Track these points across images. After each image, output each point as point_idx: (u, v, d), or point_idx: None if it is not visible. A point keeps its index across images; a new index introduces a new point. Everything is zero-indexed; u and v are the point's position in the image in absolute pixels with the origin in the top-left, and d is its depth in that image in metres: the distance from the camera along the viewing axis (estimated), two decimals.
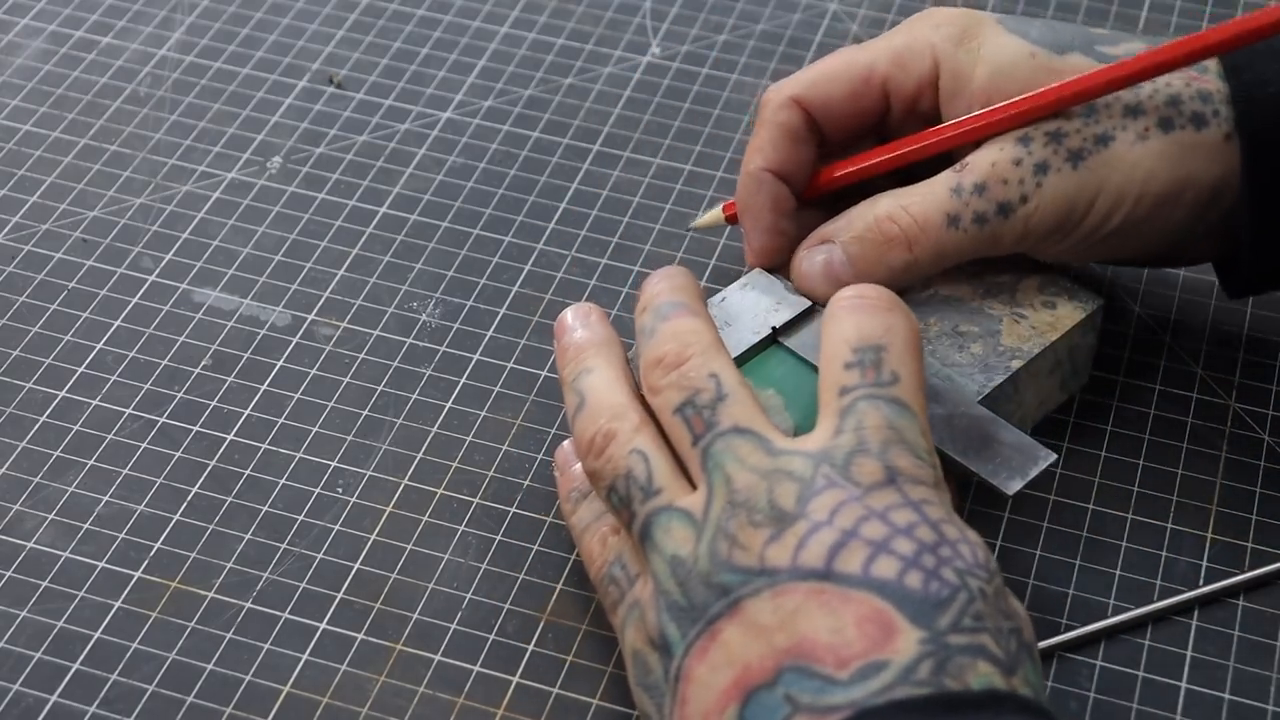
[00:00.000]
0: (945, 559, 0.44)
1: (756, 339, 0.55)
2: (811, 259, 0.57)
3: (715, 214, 0.62)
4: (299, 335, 0.62)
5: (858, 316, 0.49)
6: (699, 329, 0.50)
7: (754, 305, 0.56)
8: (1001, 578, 0.45)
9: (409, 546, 0.56)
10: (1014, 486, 0.52)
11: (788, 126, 0.58)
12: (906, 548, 0.44)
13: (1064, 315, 0.57)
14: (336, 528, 0.56)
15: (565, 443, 0.54)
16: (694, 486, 0.48)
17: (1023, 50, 0.56)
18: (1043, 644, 0.53)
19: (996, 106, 0.56)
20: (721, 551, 0.45)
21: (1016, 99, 0.55)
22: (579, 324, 0.53)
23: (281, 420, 0.59)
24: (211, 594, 0.54)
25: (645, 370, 0.50)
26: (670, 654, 0.46)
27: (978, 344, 0.56)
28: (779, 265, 0.58)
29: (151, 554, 0.55)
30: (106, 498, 0.57)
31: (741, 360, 0.55)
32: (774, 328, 0.55)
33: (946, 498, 0.47)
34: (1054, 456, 0.52)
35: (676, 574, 0.46)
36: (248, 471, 0.58)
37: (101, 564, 0.55)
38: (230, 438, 0.59)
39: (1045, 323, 0.57)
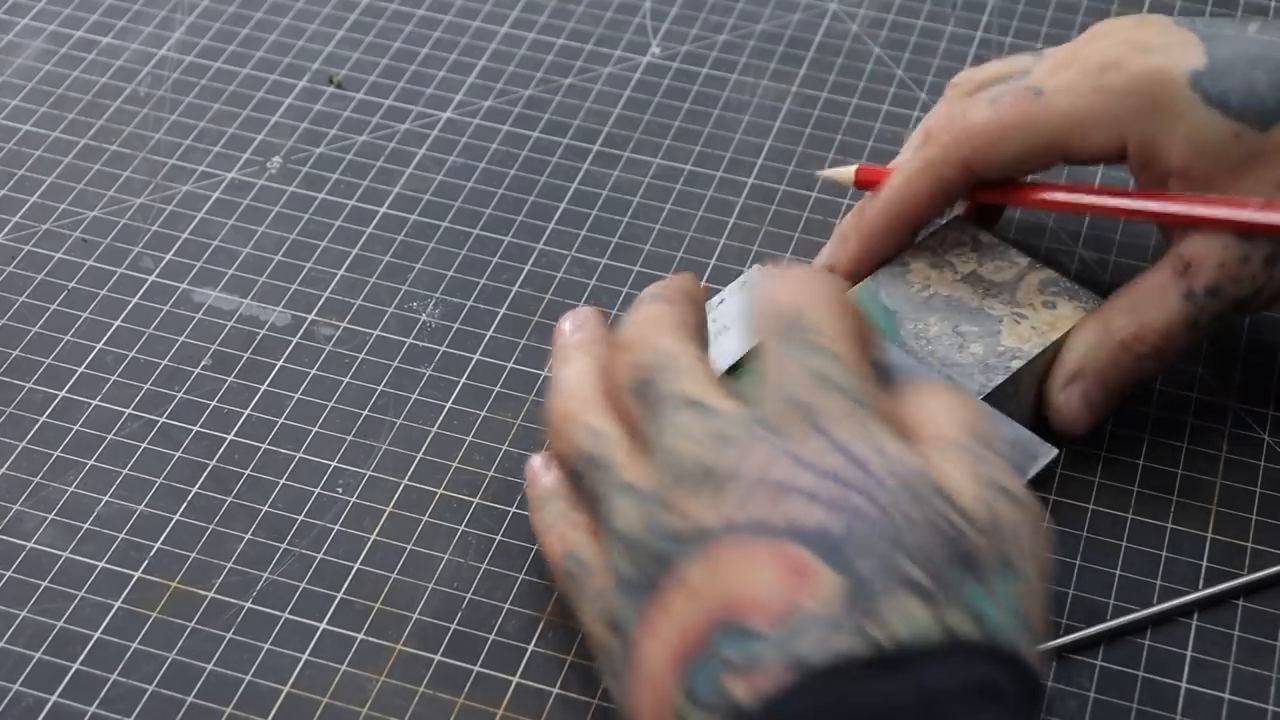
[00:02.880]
0: (869, 493, 0.43)
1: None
2: (1069, 397, 0.56)
3: (847, 174, 0.61)
4: (299, 335, 0.62)
5: (778, 284, 0.48)
6: (662, 312, 0.50)
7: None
8: (946, 493, 0.44)
9: (409, 546, 0.56)
10: (972, 385, 0.51)
11: (947, 186, 0.57)
12: (828, 490, 0.43)
13: (1064, 315, 0.57)
14: (336, 528, 0.56)
15: (534, 457, 0.53)
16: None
17: (1226, 132, 0.54)
18: (1043, 645, 0.53)
19: (1225, 211, 0.54)
20: (661, 521, 0.45)
21: (1254, 211, 0.54)
22: (573, 327, 0.53)
23: (281, 420, 0.59)
24: (211, 594, 0.54)
25: (610, 358, 0.50)
26: (626, 634, 0.45)
27: (978, 344, 0.56)
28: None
29: (151, 554, 0.55)
30: (106, 498, 0.57)
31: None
32: None
33: (877, 420, 0.45)
34: (1055, 451, 0.52)
35: (626, 551, 0.45)
36: (248, 471, 0.58)
37: (101, 564, 0.55)
38: (230, 438, 0.59)
39: (1046, 322, 0.57)
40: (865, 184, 0.60)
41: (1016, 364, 0.55)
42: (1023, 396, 0.56)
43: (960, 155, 0.56)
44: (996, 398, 0.55)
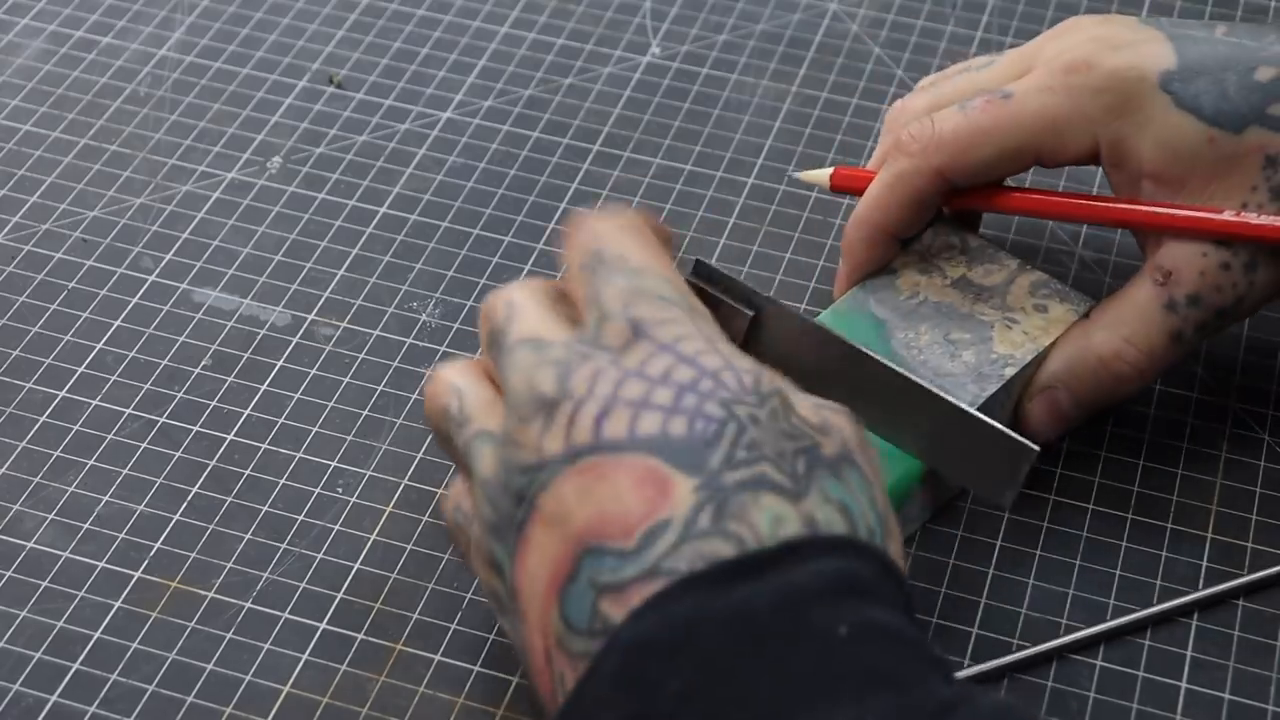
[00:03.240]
0: (707, 393, 0.43)
1: None
2: (1041, 406, 0.56)
3: (823, 176, 0.61)
4: (299, 335, 0.62)
5: (569, 241, 0.49)
6: (526, 281, 0.50)
7: None
8: (783, 396, 0.44)
9: (409, 546, 0.56)
10: (1009, 499, 0.51)
11: (921, 196, 0.57)
12: (665, 396, 0.43)
13: (1056, 318, 0.56)
14: (336, 528, 0.56)
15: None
16: None
17: (1199, 136, 0.54)
18: (1043, 645, 0.53)
19: (1201, 214, 0.54)
20: (513, 458, 0.44)
21: (1229, 218, 0.54)
22: None
23: (281, 420, 0.59)
24: (211, 594, 0.54)
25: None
26: (503, 576, 0.45)
27: (969, 351, 0.56)
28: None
29: (151, 554, 0.55)
30: (106, 498, 0.57)
31: None
32: None
33: (706, 323, 0.46)
34: (1036, 449, 0.50)
35: (488, 495, 0.45)
36: (248, 471, 0.58)
37: (101, 564, 0.55)
38: (230, 438, 0.59)
39: (1038, 327, 0.56)
40: (843, 186, 0.60)
41: (1010, 371, 0.55)
42: (1013, 401, 0.56)
43: (932, 164, 0.56)
44: (990, 407, 0.54)
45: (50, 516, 0.56)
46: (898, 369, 0.51)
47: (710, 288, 0.53)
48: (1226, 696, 0.52)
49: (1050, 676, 0.53)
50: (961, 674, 0.53)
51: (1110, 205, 0.56)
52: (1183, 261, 0.55)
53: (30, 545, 0.56)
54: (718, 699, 0.39)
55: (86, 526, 0.56)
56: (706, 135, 0.69)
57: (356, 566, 0.55)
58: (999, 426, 0.50)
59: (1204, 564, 0.56)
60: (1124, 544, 0.56)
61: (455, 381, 0.49)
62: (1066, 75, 0.55)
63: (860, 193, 0.58)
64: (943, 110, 0.57)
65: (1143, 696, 0.52)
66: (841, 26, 0.74)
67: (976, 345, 0.56)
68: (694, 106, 0.71)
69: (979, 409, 0.54)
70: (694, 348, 0.44)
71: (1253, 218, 0.54)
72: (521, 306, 0.47)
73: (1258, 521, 0.57)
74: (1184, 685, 0.53)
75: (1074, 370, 0.55)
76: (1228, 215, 0.54)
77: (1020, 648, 0.53)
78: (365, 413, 0.59)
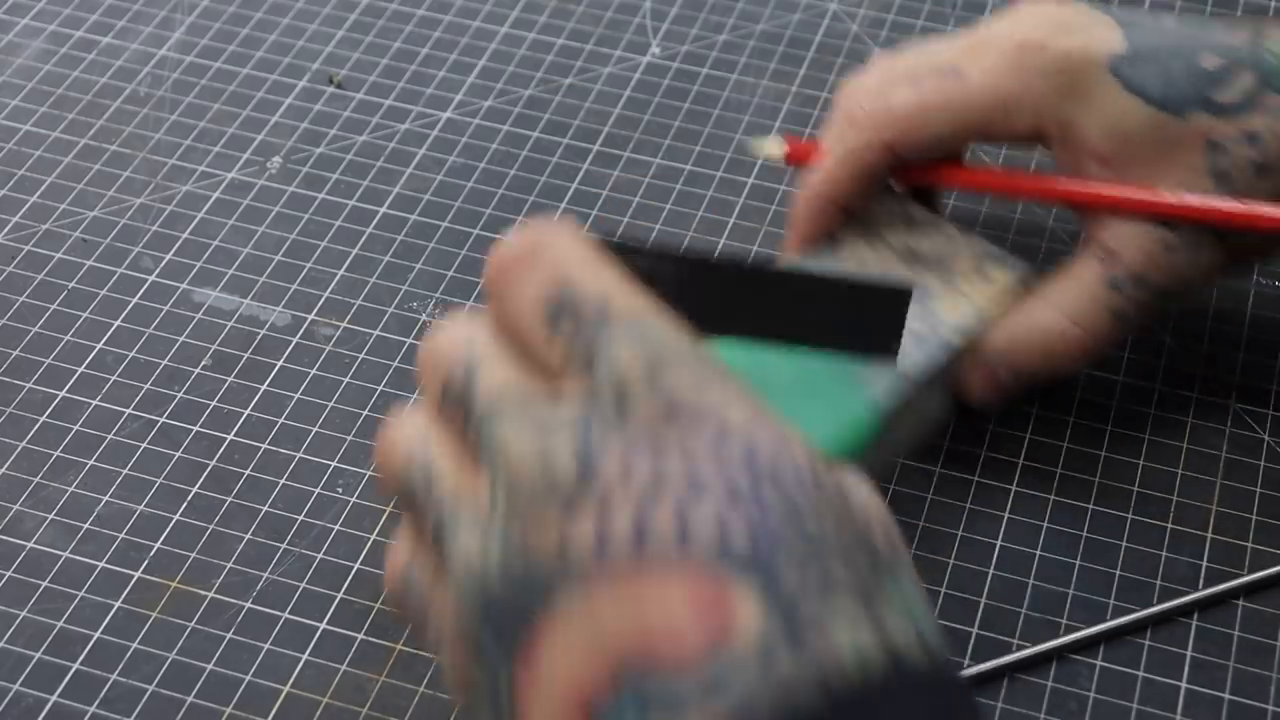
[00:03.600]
0: (764, 474, 0.37)
1: None
2: (981, 377, 0.56)
3: (776, 149, 0.60)
4: (299, 335, 0.62)
5: (513, 282, 0.40)
6: (470, 320, 0.42)
7: None
8: (837, 475, 0.38)
9: None
10: (896, 348, 0.46)
11: (871, 170, 0.57)
12: (717, 485, 0.36)
13: (998, 284, 0.56)
14: (336, 528, 0.56)
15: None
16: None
17: (1144, 118, 0.54)
18: (1043, 645, 0.53)
19: (1146, 195, 0.55)
20: (515, 541, 0.37)
21: (1171, 199, 0.54)
22: None
23: (281, 420, 0.59)
24: (211, 594, 0.54)
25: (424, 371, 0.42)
26: (492, 671, 0.38)
27: (914, 320, 0.56)
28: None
29: (151, 554, 0.55)
30: (106, 498, 0.57)
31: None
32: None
33: (731, 373, 0.39)
34: (912, 287, 0.47)
35: (482, 576, 0.38)
36: (248, 471, 0.58)
37: (101, 564, 0.55)
38: (230, 438, 0.59)
39: (980, 292, 0.56)
40: (796, 159, 0.60)
41: (953, 339, 0.55)
42: (955, 365, 0.56)
43: (882, 138, 0.56)
44: (934, 374, 0.55)
45: (50, 516, 0.56)
46: (753, 263, 0.48)
47: (636, 259, 0.48)
48: (1226, 696, 0.52)
49: (1050, 676, 0.53)
50: (962, 674, 0.53)
51: (1058, 183, 0.56)
52: (1127, 241, 0.55)
53: (30, 545, 0.56)
54: None
55: (86, 526, 0.56)
56: (706, 135, 0.69)
57: (356, 566, 0.55)
58: (871, 275, 0.51)
59: (1204, 564, 0.56)
60: (1124, 544, 0.56)
61: (415, 451, 0.41)
62: (1018, 55, 0.55)
63: (809, 164, 0.59)
64: (895, 86, 0.57)
65: (1143, 696, 0.52)
66: (841, 26, 0.74)
67: (919, 309, 0.56)
68: (694, 106, 0.71)
69: (922, 374, 0.54)
70: (740, 415, 0.38)
71: (1195, 199, 0.54)
72: (486, 359, 0.40)
73: (1258, 521, 0.57)
74: (1184, 685, 0.53)
75: (1016, 345, 0.56)
76: (1170, 197, 0.54)
77: (1020, 648, 0.53)
78: (365, 413, 0.59)
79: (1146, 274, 0.55)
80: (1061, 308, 0.55)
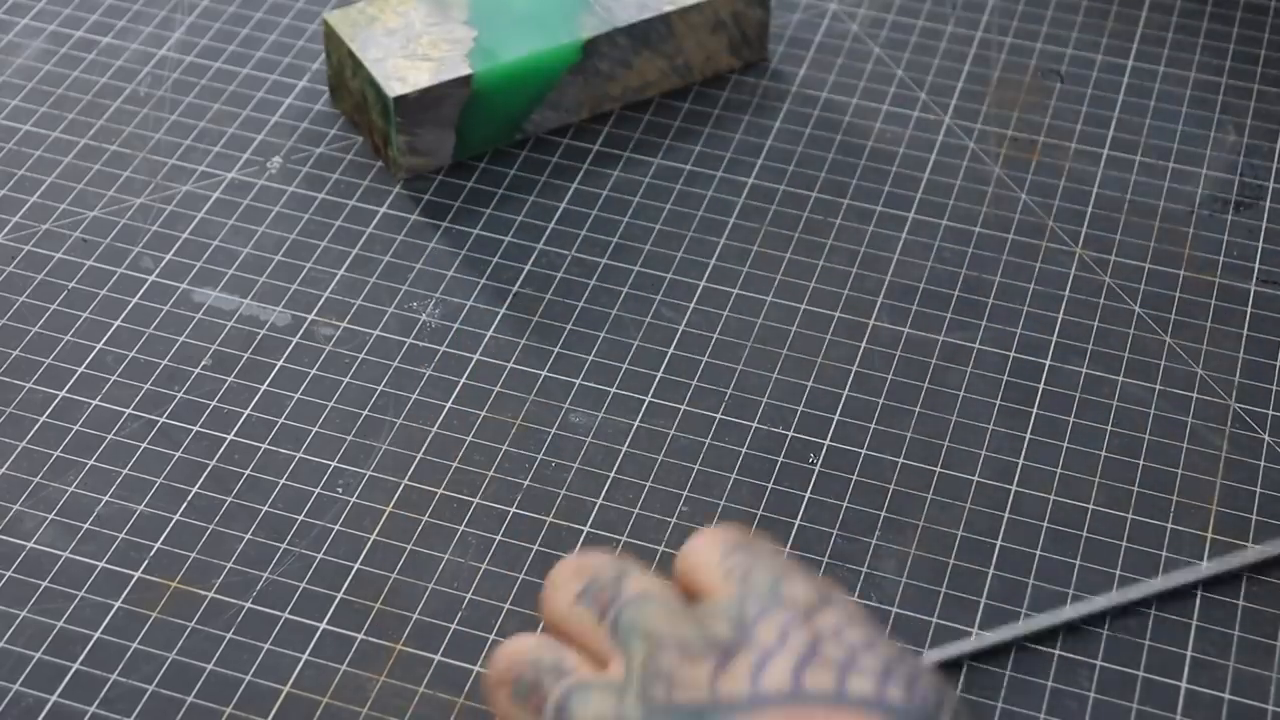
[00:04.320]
0: (914, 671, 0.38)
1: None
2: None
3: None
4: (299, 335, 0.62)
5: (708, 541, 0.42)
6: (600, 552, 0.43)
7: None
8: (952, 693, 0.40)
9: (409, 546, 0.56)
10: None
11: None
12: (873, 663, 0.38)
13: None
14: (336, 528, 0.56)
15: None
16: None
17: None
18: (1043, 645, 0.53)
19: None
20: (658, 695, 0.38)
21: None
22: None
23: (281, 420, 0.59)
24: (211, 594, 0.54)
25: (545, 599, 0.44)
26: None
27: None
28: None
29: (151, 554, 0.55)
30: (106, 498, 0.57)
31: None
32: None
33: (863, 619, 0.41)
34: None
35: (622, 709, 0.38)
36: (248, 471, 0.58)
37: (101, 564, 0.55)
38: (230, 438, 0.59)
39: None
40: None
41: (669, 7, 0.64)
42: (682, 45, 0.68)
43: None
44: (647, 33, 0.66)
45: (50, 516, 0.56)
46: None
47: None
48: (1226, 696, 0.52)
49: (1050, 676, 0.53)
50: (962, 675, 0.53)
51: None
52: None
53: (30, 545, 0.56)
54: None
55: (86, 526, 0.56)
56: (706, 135, 0.69)
57: (356, 566, 0.55)
58: None
59: (1204, 564, 0.56)
60: (1124, 544, 0.56)
61: (542, 642, 0.42)
62: None
63: None
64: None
65: (1143, 696, 0.52)
66: (841, 26, 0.74)
67: None
68: (694, 106, 0.71)
69: (633, 26, 0.64)
70: (882, 638, 0.39)
71: None
72: (634, 567, 0.42)
73: (1258, 521, 0.57)
74: (1184, 685, 0.53)
75: None
76: None
77: (1020, 647, 0.53)
78: (365, 413, 0.60)
79: None
80: None
